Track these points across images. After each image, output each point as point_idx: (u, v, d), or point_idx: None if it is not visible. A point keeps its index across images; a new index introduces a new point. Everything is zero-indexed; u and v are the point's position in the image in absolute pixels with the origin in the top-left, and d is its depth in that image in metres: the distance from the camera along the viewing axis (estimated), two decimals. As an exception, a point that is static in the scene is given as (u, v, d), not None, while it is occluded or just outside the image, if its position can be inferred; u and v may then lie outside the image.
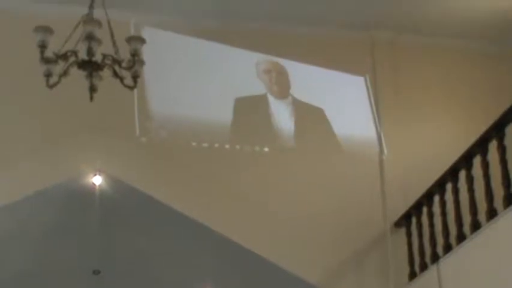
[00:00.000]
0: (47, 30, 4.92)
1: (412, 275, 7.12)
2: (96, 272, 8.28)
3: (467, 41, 8.26)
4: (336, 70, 8.08)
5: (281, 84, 7.96)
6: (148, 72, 6.52)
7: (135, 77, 5.18)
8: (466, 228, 6.18)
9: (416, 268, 7.05)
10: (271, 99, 7.85)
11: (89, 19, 4.98)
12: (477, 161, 6.13)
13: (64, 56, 4.94)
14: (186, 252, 7.80)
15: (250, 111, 7.72)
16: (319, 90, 8.00)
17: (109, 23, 5.18)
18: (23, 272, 7.75)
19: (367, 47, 8.19)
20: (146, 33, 7.13)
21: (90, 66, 4.96)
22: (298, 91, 7.95)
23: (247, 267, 7.50)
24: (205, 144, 7.43)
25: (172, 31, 7.71)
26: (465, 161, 6.29)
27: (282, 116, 7.80)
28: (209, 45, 7.79)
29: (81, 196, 7.06)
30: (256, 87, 7.84)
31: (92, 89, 5.04)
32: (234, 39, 7.80)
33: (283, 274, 7.12)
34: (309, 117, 7.88)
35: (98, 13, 5.14)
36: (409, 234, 7.31)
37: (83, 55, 4.95)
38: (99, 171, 6.97)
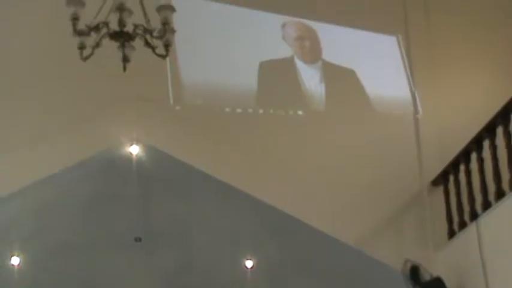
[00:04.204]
0: (78, 2, 4.95)
1: (451, 234, 7.10)
2: (137, 239, 8.41)
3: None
4: (367, 30, 7.98)
5: (313, 51, 7.90)
6: (179, 40, 6.53)
7: (167, 46, 5.18)
8: (505, 184, 6.13)
9: (455, 226, 7.03)
10: (300, 64, 7.79)
11: (118, -10, 4.99)
12: (515, 116, 6.05)
13: (96, 28, 4.97)
14: (224, 218, 7.88)
15: (279, 75, 7.69)
16: (350, 51, 7.93)
17: (139, -8, 5.18)
18: (66, 242, 7.92)
19: (400, 4, 8.06)
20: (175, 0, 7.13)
21: (122, 37, 4.98)
22: (328, 53, 7.88)
23: (285, 231, 7.56)
24: (239, 110, 7.46)
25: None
26: (502, 116, 6.21)
27: (313, 81, 7.76)
28: (239, 9, 7.74)
29: (119, 166, 7.16)
30: (285, 49, 7.80)
31: (125, 60, 5.08)
32: (262, 4, 7.73)
33: (321, 236, 7.17)
34: (341, 79, 7.82)
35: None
36: (446, 193, 7.27)
37: (114, 26, 4.98)
38: (136, 141, 7.05)
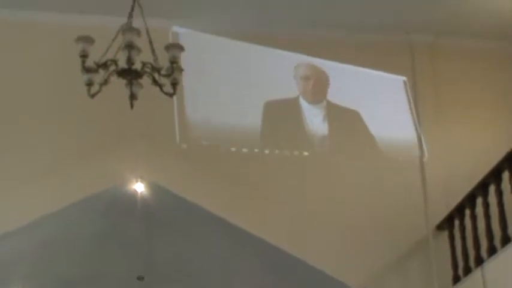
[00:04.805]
0: (87, 40, 5.02)
1: (456, 279, 7.01)
2: (140, 278, 8.36)
3: (507, 42, 8.15)
4: (374, 70, 8.03)
5: (317, 92, 7.94)
6: (187, 79, 6.59)
7: (175, 84, 5.24)
8: (511, 230, 6.08)
9: (460, 272, 6.95)
10: (304, 103, 7.84)
11: (128, 28, 5.06)
12: (520, 161, 6.04)
13: (104, 65, 5.03)
14: (228, 257, 7.83)
15: (283, 114, 7.72)
16: (357, 93, 7.96)
17: (148, 31, 5.25)
18: (68, 279, 7.88)
19: (407, 50, 8.14)
20: (183, 39, 7.23)
21: (129, 75, 5.04)
22: (334, 94, 7.92)
23: (289, 272, 7.50)
24: (244, 150, 7.47)
25: (210, 36, 7.76)
26: (508, 161, 6.20)
27: (316, 120, 7.79)
28: (248, 48, 7.81)
29: (124, 203, 7.15)
30: (292, 89, 7.87)
31: (132, 97, 5.12)
32: (273, 43, 7.80)
33: (326, 278, 7.10)
34: (345, 120, 7.85)
35: (136, 22, 5.22)
36: (452, 237, 7.21)
37: (122, 64, 5.04)
38: (141, 178, 7.06)
